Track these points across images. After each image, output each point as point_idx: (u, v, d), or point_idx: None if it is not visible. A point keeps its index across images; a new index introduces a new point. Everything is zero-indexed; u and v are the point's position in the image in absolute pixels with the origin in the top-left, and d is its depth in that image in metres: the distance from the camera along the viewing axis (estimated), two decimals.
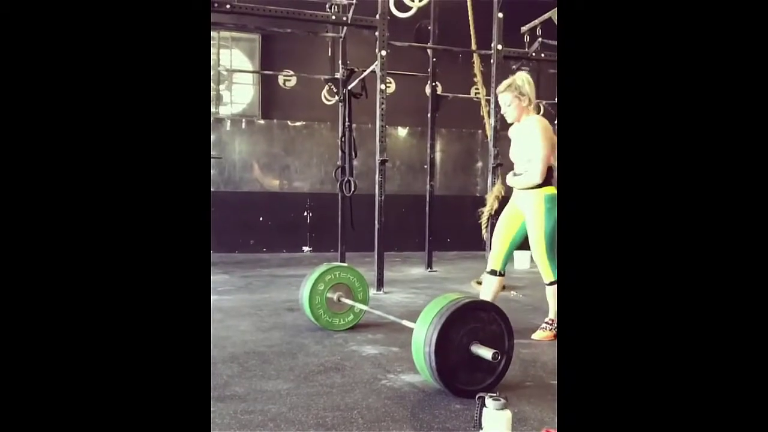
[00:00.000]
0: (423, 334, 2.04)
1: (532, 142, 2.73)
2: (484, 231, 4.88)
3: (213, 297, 4.13)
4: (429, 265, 5.94)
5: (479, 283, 4.84)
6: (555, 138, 2.74)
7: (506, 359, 2.12)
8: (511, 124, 2.94)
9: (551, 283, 2.78)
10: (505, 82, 2.81)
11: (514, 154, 2.90)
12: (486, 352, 1.98)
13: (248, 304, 3.89)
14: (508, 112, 2.82)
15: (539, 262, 2.80)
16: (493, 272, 2.94)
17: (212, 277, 5.10)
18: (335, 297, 3.10)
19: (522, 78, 2.80)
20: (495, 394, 1.52)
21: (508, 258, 2.96)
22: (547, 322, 2.89)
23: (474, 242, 5.75)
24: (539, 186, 2.76)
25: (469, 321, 2.06)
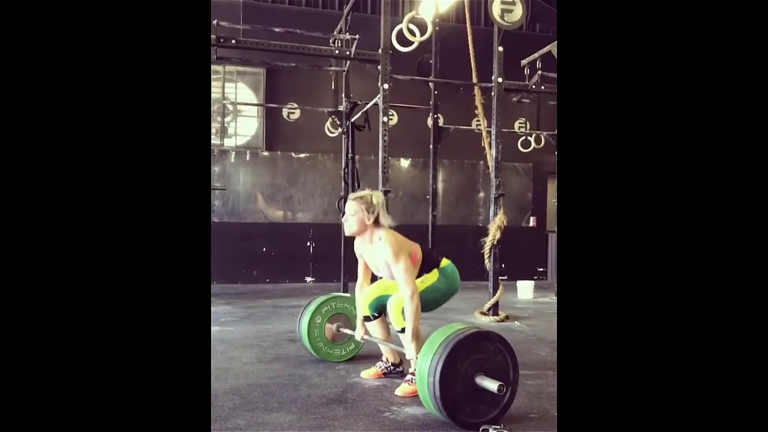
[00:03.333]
0: (427, 364, 2.02)
1: (392, 268, 2.53)
2: (486, 261, 4.87)
3: (215, 328, 4.11)
4: None
5: (483, 313, 4.81)
6: (401, 240, 2.57)
7: (511, 391, 2.09)
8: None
9: (403, 330, 2.51)
10: (359, 193, 2.68)
11: (372, 267, 2.75)
12: (491, 384, 1.96)
13: (251, 335, 3.87)
14: (350, 221, 2.63)
15: (413, 354, 2.44)
16: (366, 318, 2.78)
17: (215, 308, 5.08)
18: (334, 327, 3.08)
19: (378, 196, 2.66)
20: (499, 427, 1.51)
21: (377, 304, 2.76)
22: (412, 373, 2.49)
23: (477, 272, 5.73)
24: (429, 270, 2.67)
25: (475, 352, 2.04)
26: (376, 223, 2.63)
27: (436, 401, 1.97)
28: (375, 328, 2.80)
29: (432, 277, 2.67)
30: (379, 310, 2.78)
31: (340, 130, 6.05)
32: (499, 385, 1.93)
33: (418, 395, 2.45)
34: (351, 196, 2.69)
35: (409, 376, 2.55)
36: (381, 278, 2.85)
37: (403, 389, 2.50)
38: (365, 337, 2.86)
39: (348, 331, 3.05)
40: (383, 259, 2.57)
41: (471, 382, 2.01)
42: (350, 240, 2.84)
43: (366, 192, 2.69)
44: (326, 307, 3.10)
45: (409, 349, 2.46)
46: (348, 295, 3.30)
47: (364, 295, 2.81)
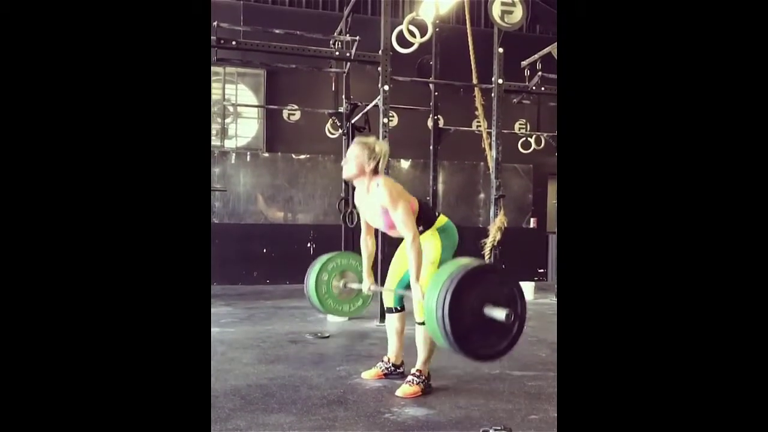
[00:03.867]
0: (434, 298, 1.98)
1: (391, 213, 2.50)
2: (487, 262, 4.86)
3: (215, 329, 4.11)
4: None
5: None
6: (400, 188, 2.53)
7: (520, 321, 2.06)
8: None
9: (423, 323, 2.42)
10: (364, 138, 2.64)
11: (369, 219, 2.70)
12: (499, 313, 1.94)
13: (251, 337, 3.87)
14: (349, 164, 2.58)
15: (419, 295, 2.43)
16: (389, 310, 2.76)
17: (215, 310, 5.07)
18: (341, 284, 3.04)
19: (381, 145, 2.60)
20: (499, 428, 1.51)
21: (401, 288, 2.72)
22: (414, 374, 2.55)
23: None
24: (427, 226, 2.60)
25: (481, 284, 2.02)
26: (376, 171, 2.57)
27: (447, 334, 1.94)
28: (393, 321, 2.77)
29: (437, 248, 2.57)
30: (402, 302, 2.73)
31: (340, 131, 6.05)
32: (507, 313, 1.91)
33: (419, 396, 2.45)
34: (356, 140, 2.64)
35: (410, 378, 2.54)
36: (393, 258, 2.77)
37: (403, 390, 2.50)
38: (373, 288, 2.83)
39: (355, 286, 3.01)
40: (380, 204, 2.51)
41: (479, 314, 1.98)
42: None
43: (371, 138, 2.64)
44: (332, 264, 3.06)
45: (415, 291, 2.42)
46: (348, 252, 3.27)
47: (387, 288, 2.77)
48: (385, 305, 2.79)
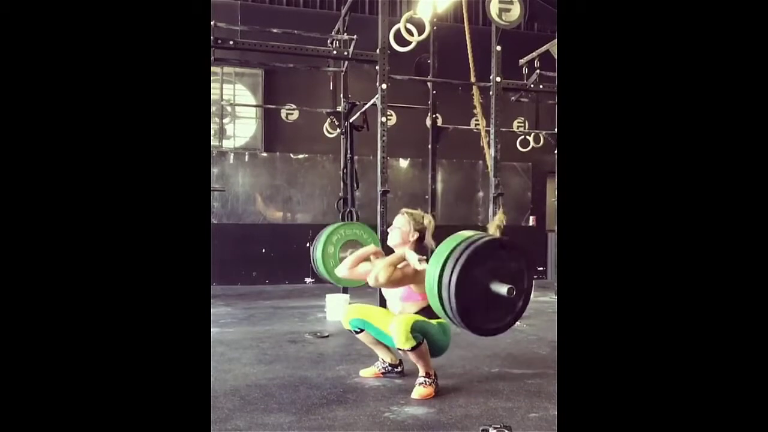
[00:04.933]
0: (437, 273, 1.96)
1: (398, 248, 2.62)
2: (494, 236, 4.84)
3: (214, 330, 4.10)
4: None
5: None
6: (418, 276, 2.48)
7: (525, 296, 2.05)
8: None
9: (413, 348, 2.44)
10: (410, 210, 2.73)
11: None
12: (502, 288, 1.94)
13: (250, 337, 3.86)
14: (393, 234, 2.67)
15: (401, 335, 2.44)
16: (352, 332, 2.77)
17: (214, 310, 5.07)
18: (348, 254, 3.02)
19: (429, 218, 2.70)
20: (499, 426, 1.51)
21: (358, 323, 2.72)
22: (424, 377, 2.53)
23: None
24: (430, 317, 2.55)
25: (488, 259, 1.99)
26: (420, 241, 2.64)
27: (453, 314, 1.93)
28: (364, 338, 2.78)
29: (432, 329, 2.54)
30: (360, 327, 2.74)
31: (338, 130, 6.05)
32: (509, 288, 1.91)
33: (433, 397, 2.44)
34: (402, 210, 2.74)
35: (422, 380, 2.52)
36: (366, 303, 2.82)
37: (419, 392, 2.47)
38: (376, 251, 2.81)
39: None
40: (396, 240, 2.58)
41: (486, 290, 1.97)
42: None
43: (418, 211, 2.72)
44: (336, 236, 3.06)
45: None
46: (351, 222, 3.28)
47: (345, 310, 2.81)
48: (345, 328, 2.79)
